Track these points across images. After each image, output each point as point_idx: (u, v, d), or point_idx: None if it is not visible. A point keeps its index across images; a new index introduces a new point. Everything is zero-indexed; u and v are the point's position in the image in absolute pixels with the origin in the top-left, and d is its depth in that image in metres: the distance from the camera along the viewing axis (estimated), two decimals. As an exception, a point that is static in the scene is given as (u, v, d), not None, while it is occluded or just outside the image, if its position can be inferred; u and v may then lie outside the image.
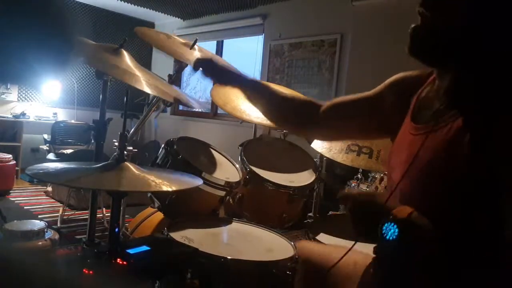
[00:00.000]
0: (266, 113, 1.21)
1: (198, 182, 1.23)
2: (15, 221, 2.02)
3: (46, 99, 5.50)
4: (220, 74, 1.20)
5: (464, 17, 0.71)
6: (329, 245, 1.02)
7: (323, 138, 1.33)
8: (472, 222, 0.70)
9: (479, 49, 0.72)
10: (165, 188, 1.06)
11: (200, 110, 5.94)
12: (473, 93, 0.73)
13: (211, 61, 1.21)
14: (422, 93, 0.89)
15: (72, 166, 1.17)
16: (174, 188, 1.08)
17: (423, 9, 0.74)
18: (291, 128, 1.26)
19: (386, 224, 0.67)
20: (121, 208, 1.54)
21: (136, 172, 1.10)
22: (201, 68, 1.18)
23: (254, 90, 1.19)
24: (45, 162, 1.24)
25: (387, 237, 0.66)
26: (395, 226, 0.66)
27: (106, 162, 1.14)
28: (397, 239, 0.65)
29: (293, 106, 1.15)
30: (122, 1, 5.18)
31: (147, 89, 1.41)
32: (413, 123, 0.86)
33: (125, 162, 1.12)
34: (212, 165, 1.71)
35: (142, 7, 5.40)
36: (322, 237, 1.50)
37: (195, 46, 1.85)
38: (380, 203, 0.74)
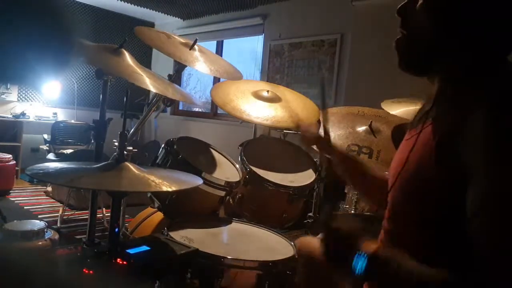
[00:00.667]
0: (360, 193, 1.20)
1: (198, 182, 1.23)
2: (15, 221, 2.02)
3: (46, 99, 5.50)
4: (330, 148, 1.18)
5: (435, 29, 0.74)
6: None
7: None
8: (449, 227, 0.70)
9: (456, 55, 0.74)
10: (165, 188, 1.06)
11: (200, 110, 5.95)
12: (451, 96, 0.75)
13: (323, 139, 1.19)
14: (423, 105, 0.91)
15: (72, 166, 1.17)
16: (174, 188, 1.08)
17: (402, 29, 0.79)
18: (370, 198, 1.25)
19: (355, 258, 0.71)
20: (121, 208, 1.54)
21: (136, 172, 1.10)
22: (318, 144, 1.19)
23: (349, 169, 1.17)
24: (45, 162, 1.24)
25: (356, 270, 0.70)
26: (363, 260, 0.70)
27: (106, 162, 1.14)
28: (364, 273, 0.70)
29: (376, 182, 1.14)
30: (122, 1, 5.18)
31: (151, 87, 1.40)
32: (408, 130, 0.88)
33: (125, 162, 1.11)
34: (212, 165, 1.71)
35: (142, 7, 5.40)
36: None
37: (195, 46, 1.85)
38: (355, 238, 0.76)
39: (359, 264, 0.70)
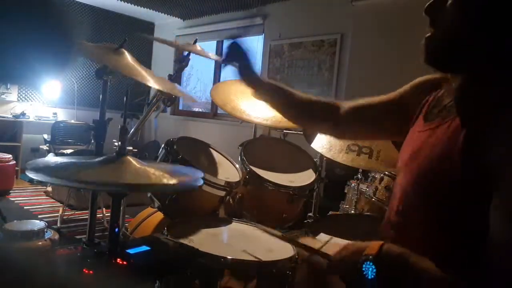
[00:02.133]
0: (285, 113, 1.20)
1: (199, 175, 1.22)
2: (15, 221, 2.02)
3: (46, 99, 5.50)
4: (245, 61, 1.18)
5: (465, 29, 0.74)
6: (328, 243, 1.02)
7: (342, 137, 1.32)
8: (465, 222, 0.70)
9: (485, 55, 0.73)
10: (166, 181, 1.05)
11: (200, 110, 5.95)
12: (478, 94, 0.74)
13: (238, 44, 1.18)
14: (438, 93, 0.90)
15: (72, 160, 1.16)
16: (175, 182, 1.06)
17: (431, 28, 0.78)
18: (312, 127, 1.24)
19: (364, 265, 0.70)
20: (121, 208, 1.53)
21: (137, 165, 1.09)
22: (229, 50, 1.17)
23: (274, 89, 1.16)
24: (45, 162, 1.23)
25: (368, 277, 0.69)
26: (372, 264, 0.69)
27: (107, 156, 1.13)
28: (376, 276, 0.68)
29: (314, 106, 1.14)
30: (122, 1, 5.18)
31: (154, 85, 1.40)
32: (422, 121, 0.87)
33: (126, 156, 1.11)
34: (212, 165, 1.71)
35: (142, 7, 5.40)
36: (322, 237, 1.50)
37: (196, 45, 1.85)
38: (355, 251, 0.75)
39: (369, 271, 0.69)
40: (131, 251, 1.01)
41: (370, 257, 0.70)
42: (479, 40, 0.73)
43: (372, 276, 0.69)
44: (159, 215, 1.85)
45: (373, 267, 0.69)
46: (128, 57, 1.53)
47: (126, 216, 2.07)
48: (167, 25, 5.95)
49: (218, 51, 5.48)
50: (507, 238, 0.60)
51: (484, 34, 0.72)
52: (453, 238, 0.72)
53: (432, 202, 0.75)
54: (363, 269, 0.70)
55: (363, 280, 0.70)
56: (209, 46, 5.40)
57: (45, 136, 4.66)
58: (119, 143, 1.13)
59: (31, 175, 0.94)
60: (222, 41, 5.46)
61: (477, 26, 0.72)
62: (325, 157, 1.96)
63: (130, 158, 1.10)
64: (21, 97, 5.38)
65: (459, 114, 0.74)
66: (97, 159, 1.11)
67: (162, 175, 1.06)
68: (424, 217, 0.77)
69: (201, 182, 1.24)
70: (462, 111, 0.74)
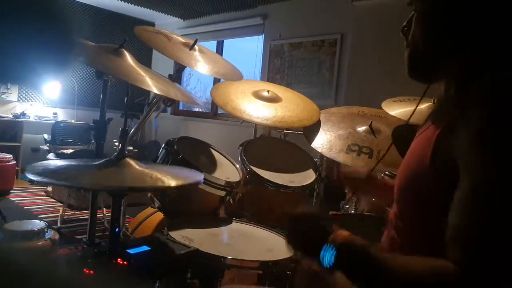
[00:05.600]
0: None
1: (199, 176, 1.22)
2: (15, 221, 2.02)
3: (46, 99, 5.51)
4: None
5: (427, 42, 0.78)
6: None
7: None
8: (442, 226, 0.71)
9: (451, 63, 0.77)
10: (167, 183, 1.05)
11: (200, 110, 5.95)
12: (454, 98, 0.76)
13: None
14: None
15: (72, 163, 1.17)
16: (175, 184, 1.07)
17: (406, 47, 0.82)
18: None
19: (324, 248, 0.68)
20: (122, 208, 1.54)
21: (138, 167, 1.09)
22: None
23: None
24: (45, 162, 1.24)
25: (325, 262, 0.68)
26: (332, 251, 0.68)
27: (107, 158, 1.13)
28: (333, 265, 0.67)
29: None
30: (122, 1, 5.18)
31: (153, 88, 1.39)
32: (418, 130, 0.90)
33: (126, 158, 1.11)
34: (213, 165, 1.71)
35: (142, 7, 5.40)
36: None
37: (196, 46, 1.85)
38: (323, 226, 0.74)
39: (327, 256, 0.68)
40: (131, 251, 1.01)
41: (332, 244, 0.68)
42: (445, 48, 0.76)
43: (329, 264, 0.67)
44: (159, 215, 1.85)
45: (332, 255, 0.68)
46: (128, 57, 1.52)
47: (127, 216, 2.07)
48: (167, 25, 5.95)
49: (218, 51, 5.48)
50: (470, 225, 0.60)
51: (446, 44, 0.76)
52: (441, 238, 0.72)
53: (411, 205, 0.78)
54: (322, 252, 0.69)
55: (320, 262, 0.69)
56: (209, 46, 5.40)
57: (46, 136, 4.66)
58: (119, 145, 1.13)
59: (31, 177, 0.95)
60: (222, 41, 5.47)
61: (440, 34, 0.76)
62: (325, 157, 1.96)
63: (130, 161, 1.10)
64: (21, 97, 5.38)
65: (438, 118, 0.76)
66: (96, 162, 1.11)
67: (162, 177, 1.06)
68: (414, 218, 0.78)
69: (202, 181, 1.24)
70: (437, 115, 0.77)
